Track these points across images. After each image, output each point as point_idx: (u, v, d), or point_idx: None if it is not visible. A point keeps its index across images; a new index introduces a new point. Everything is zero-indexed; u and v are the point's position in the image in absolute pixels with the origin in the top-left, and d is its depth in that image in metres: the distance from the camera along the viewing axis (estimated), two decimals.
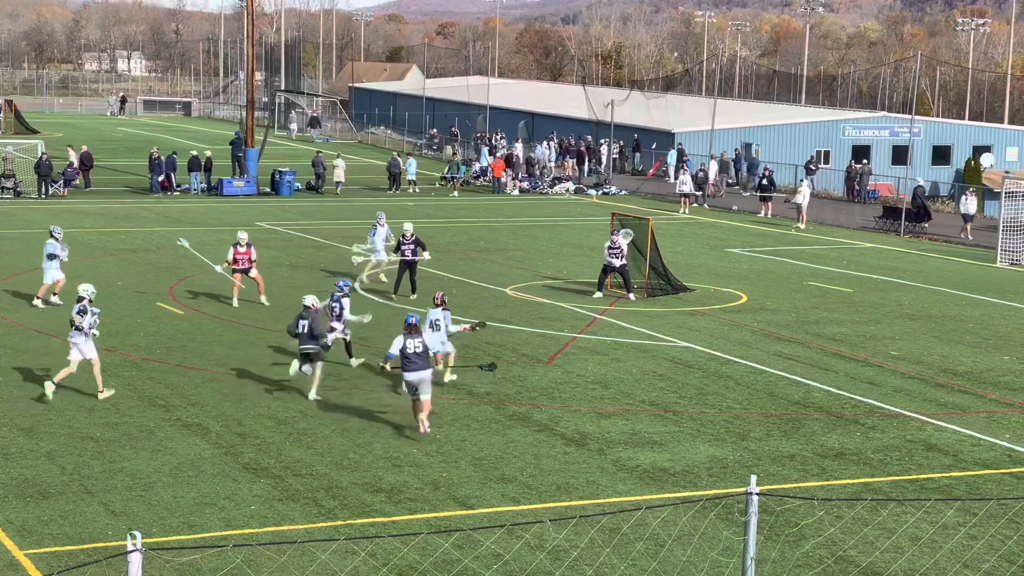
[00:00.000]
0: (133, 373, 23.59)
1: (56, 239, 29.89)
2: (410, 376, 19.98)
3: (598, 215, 49.75)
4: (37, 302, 29.61)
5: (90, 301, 22.08)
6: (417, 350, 20.00)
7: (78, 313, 21.78)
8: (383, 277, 33.57)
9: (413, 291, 31.66)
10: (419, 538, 15.51)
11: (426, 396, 20.02)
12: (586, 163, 67.46)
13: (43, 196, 51.66)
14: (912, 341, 28.63)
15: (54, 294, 29.79)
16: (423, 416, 20.02)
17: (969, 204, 49.30)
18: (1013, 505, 17.48)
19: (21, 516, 16.19)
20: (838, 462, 19.51)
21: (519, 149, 68.55)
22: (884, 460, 19.67)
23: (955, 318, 31.67)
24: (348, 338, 24.49)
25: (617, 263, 32.41)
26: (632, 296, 32.39)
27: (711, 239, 45.44)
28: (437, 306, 23.25)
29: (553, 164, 67.51)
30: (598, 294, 32.62)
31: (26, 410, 20.98)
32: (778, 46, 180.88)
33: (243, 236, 30.85)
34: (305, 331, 22.09)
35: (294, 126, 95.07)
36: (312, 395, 22.15)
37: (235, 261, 30.36)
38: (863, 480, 18.72)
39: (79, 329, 21.77)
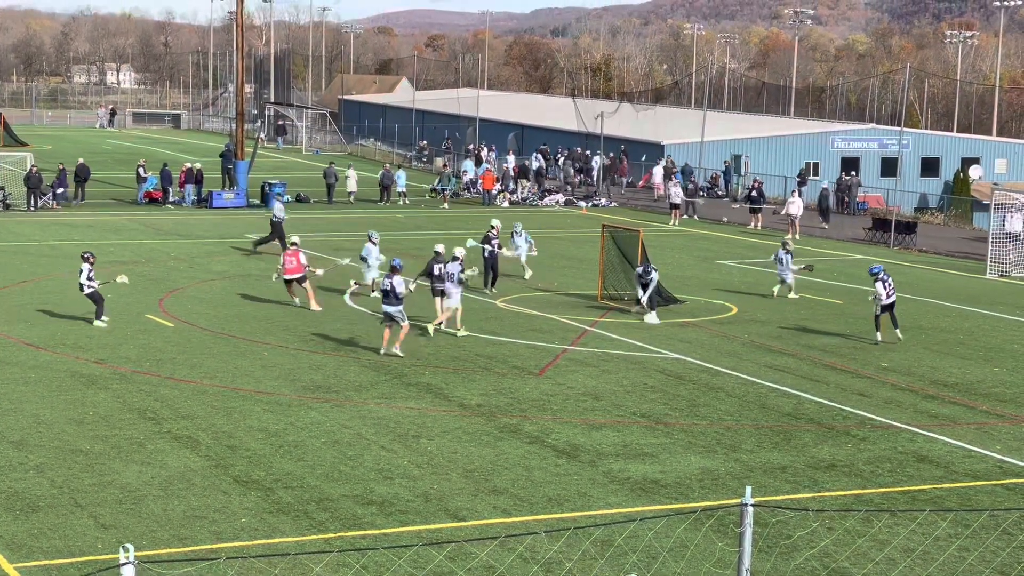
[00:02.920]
0: (122, 385, 23.52)
1: (373, 243, 32.73)
2: (384, 308, 26.14)
3: (588, 227, 49.76)
4: (375, 294, 31.86)
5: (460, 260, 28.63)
6: (386, 288, 26.02)
7: (461, 271, 28.27)
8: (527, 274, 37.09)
9: (492, 284, 34.62)
10: (412, 550, 15.46)
11: (403, 323, 26.00)
12: (609, 178, 66.42)
13: (32, 208, 51.56)
14: (902, 352, 28.65)
15: (373, 290, 32.35)
16: (396, 341, 26.01)
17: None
18: (1006, 517, 17.48)
19: (10, 530, 16.11)
20: (830, 474, 19.49)
21: (511, 161, 68.63)
22: (876, 472, 19.66)
23: (945, 329, 31.70)
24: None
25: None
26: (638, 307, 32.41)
27: (701, 251, 45.47)
28: None
29: (560, 177, 67.43)
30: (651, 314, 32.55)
31: (15, 423, 20.89)
32: (767, 58, 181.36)
33: (295, 239, 32.80)
34: (438, 273, 28.64)
35: (262, 134, 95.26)
36: (457, 326, 28.76)
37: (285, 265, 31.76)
38: (855, 492, 18.71)
39: (461, 282, 28.31)
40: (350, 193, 58.88)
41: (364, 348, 26.90)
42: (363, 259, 33.06)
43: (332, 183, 58.87)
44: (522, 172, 64.97)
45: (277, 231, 40.58)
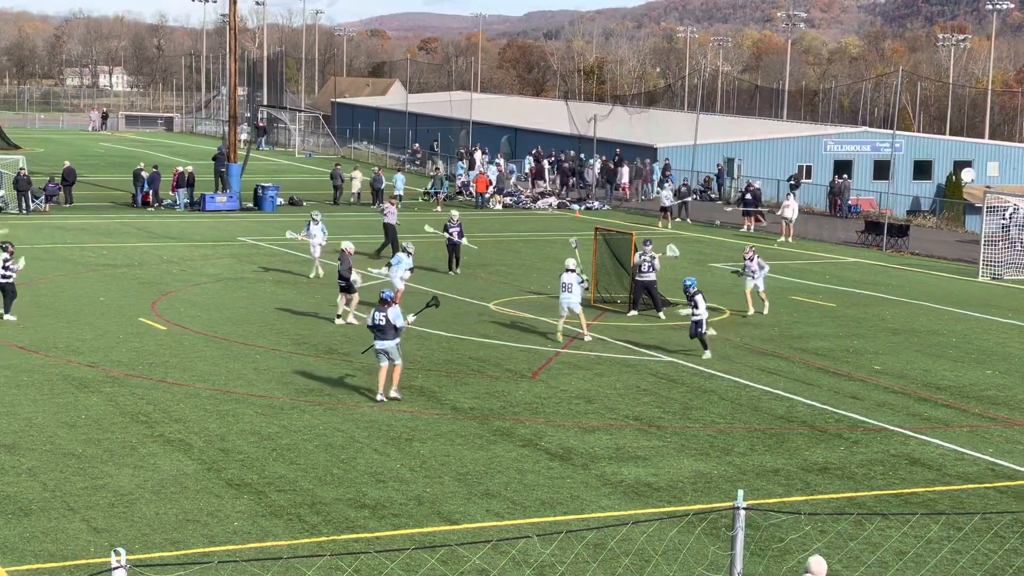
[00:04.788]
0: (115, 389, 23.49)
1: (408, 253, 32.38)
2: (379, 344, 22.91)
3: (581, 230, 49.74)
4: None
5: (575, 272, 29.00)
6: (380, 323, 22.78)
7: (581, 282, 28.96)
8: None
9: (453, 268, 38.58)
10: (404, 554, 15.46)
11: (397, 362, 23.05)
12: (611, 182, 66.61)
13: (24, 212, 51.50)
14: (895, 355, 28.68)
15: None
16: (395, 381, 23.12)
17: None
18: (997, 519, 17.50)
19: (3, 533, 16.09)
20: (822, 476, 19.51)
21: (502, 164, 68.73)
22: (868, 474, 19.69)
23: (937, 332, 31.74)
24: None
25: (646, 276, 32.16)
26: (662, 315, 32.30)
27: (694, 254, 45.47)
28: None
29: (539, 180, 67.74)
30: (632, 312, 32.49)
31: (7, 426, 20.87)
32: (760, 61, 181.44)
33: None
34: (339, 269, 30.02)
35: (244, 136, 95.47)
36: (341, 319, 30.01)
37: None
38: (847, 495, 18.73)
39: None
40: (355, 195, 59.86)
41: (357, 351, 26.87)
42: (390, 266, 32.62)
43: (338, 185, 59.89)
44: (539, 174, 65.55)
45: (391, 235, 41.16)
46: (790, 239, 49.60)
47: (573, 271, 28.96)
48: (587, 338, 29.01)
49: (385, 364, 22.94)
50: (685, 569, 15.32)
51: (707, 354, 27.61)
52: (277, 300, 33.04)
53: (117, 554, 9.31)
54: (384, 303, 22.86)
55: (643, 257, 32.26)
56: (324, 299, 33.33)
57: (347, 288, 29.96)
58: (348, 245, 30.68)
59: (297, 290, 34.79)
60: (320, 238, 36.51)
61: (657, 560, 15.56)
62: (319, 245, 36.48)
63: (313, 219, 36.91)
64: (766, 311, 33.00)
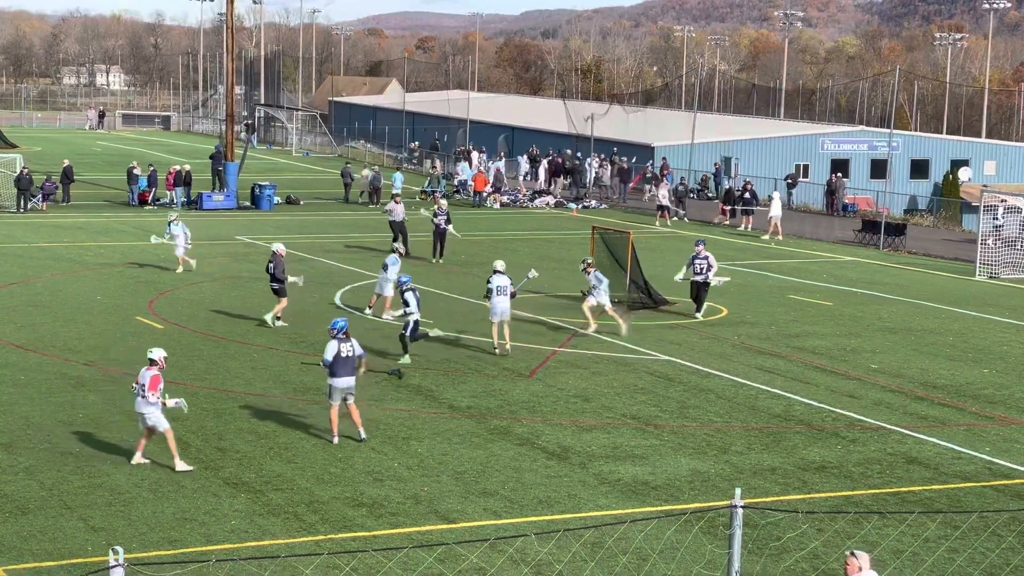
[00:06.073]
0: (113, 387, 23.47)
1: (400, 254, 31.87)
2: (343, 382, 20.29)
3: (578, 229, 49.77)
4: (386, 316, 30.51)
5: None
6: (349, 355, 20.36)
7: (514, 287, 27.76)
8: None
9: (439, 255, 40.05)
10: (402, 552, 15.47)
11: (351, 400, 20.42)
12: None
13: (22, 210, 51.47)
14: (892, 354, 28.70)
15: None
16: (359, 419, 20.45)
17: None
18: (994, 518, 17.52)
19: (0, 532, 16.08)
20: (819, 475, 19.53)
21: (501, 163, 68.79)
22: (865, 473, 19.71)
23: (934, 331, 31.76)
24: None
25: (702, 278, 31.93)
26: (699, 315, 32.15)
27: (691, 253, 45.44)
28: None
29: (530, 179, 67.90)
30: (698, 315, 32.12)
31: (4, 426, 20.86)
32: (757, 60, 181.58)
33: None
34: (271, 271, 29.60)
35: (243, 135, 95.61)
36: (269, 318, 29.50)
37: None
38: (844, 493, 18.75)
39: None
40: (361, 192, 60.45)
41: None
42: (384, 267, 30.90)
43: (348, 183, 60.55)
44: (556, 171, 65.73)
45: (397, 230, 41.04)
46: (780, 237, 49.67)
47: (504, 273, 27.41)
48: (508, 348, 27.14)
49: (338, 403, 20.36)
50: (683, 568, 15.33)
51: (405, 358, 25.85)
52: (274, 299, 32.98)
53: (115, 553, 9.31)
54: (346, 335, 20.53)
55: (697, 259, 32.06)
56: (322, 297, 33.33)
57: (279, 291, 29.74)
58: (279, 247, 30.06)
59: (293, 289, 34.75)
60: (183, 239, 37.12)
61: (655, 559, 15.57)
62: (182, 246, 37.14)
63: (173, 221, 37.68)
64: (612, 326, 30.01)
